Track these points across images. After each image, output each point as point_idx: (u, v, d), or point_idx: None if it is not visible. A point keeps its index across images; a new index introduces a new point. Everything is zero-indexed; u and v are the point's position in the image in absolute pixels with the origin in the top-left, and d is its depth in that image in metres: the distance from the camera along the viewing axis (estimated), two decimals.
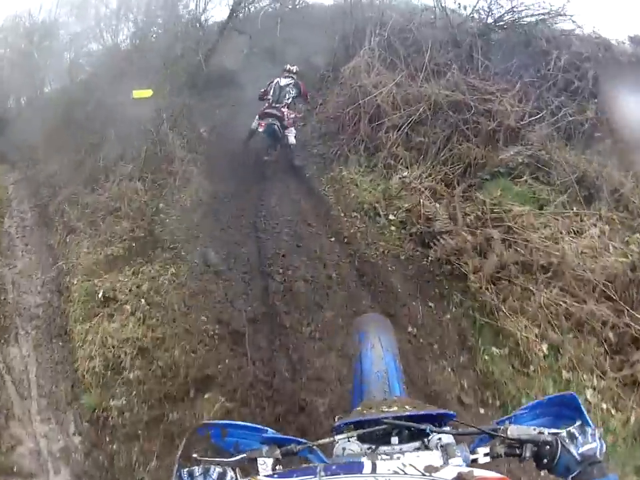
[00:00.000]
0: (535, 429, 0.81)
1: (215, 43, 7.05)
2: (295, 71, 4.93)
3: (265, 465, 0.80)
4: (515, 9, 5.28)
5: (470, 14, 5.64)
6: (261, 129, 4.40)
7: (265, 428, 0.90)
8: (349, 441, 0.83)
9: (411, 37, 5.56)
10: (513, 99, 4.38)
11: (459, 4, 5.59)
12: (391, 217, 3.78)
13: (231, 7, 7.39)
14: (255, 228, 3.63)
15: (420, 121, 4.48)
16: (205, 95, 6.38)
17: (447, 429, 0.86)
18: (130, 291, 3.01)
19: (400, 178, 4.11)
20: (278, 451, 0.82)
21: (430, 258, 3.27)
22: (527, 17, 5.24)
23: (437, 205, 3.68)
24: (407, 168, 4.21)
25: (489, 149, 4.08)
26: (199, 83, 6.57)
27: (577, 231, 3.28)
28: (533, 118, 4.26)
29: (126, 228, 3.72)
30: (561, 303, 2.71)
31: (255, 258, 3.25)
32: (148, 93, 4.73)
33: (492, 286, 2.89)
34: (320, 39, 6.97)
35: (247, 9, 8.37)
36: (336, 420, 0.91)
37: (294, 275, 3.00)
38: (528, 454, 0.78)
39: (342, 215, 3.91)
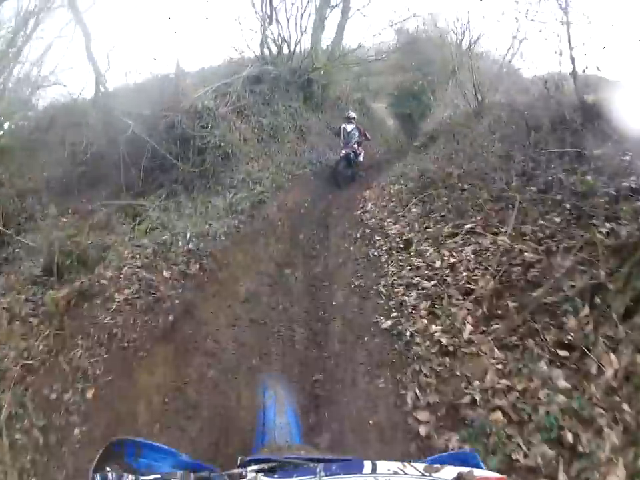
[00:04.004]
0: None
1: None
2: (353, 117, 7.48)
3: None
4: None
5: None
6: (343, 155, 7.20)
7: (180, 453, 0.92)
8: (259, 474, 0.84)
9: None
10: None
11: None
12: None
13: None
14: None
15: None
16: None
17: None
18: None
19: None
20: (192, 477, 0.82)
21: None
22: None
23: None
24: None
25: None
26: None
27: None
28: None
29: None
30: None
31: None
32: None
33: None
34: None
35: None
36: (239, 459, 0.92)
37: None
38: None
39: None
